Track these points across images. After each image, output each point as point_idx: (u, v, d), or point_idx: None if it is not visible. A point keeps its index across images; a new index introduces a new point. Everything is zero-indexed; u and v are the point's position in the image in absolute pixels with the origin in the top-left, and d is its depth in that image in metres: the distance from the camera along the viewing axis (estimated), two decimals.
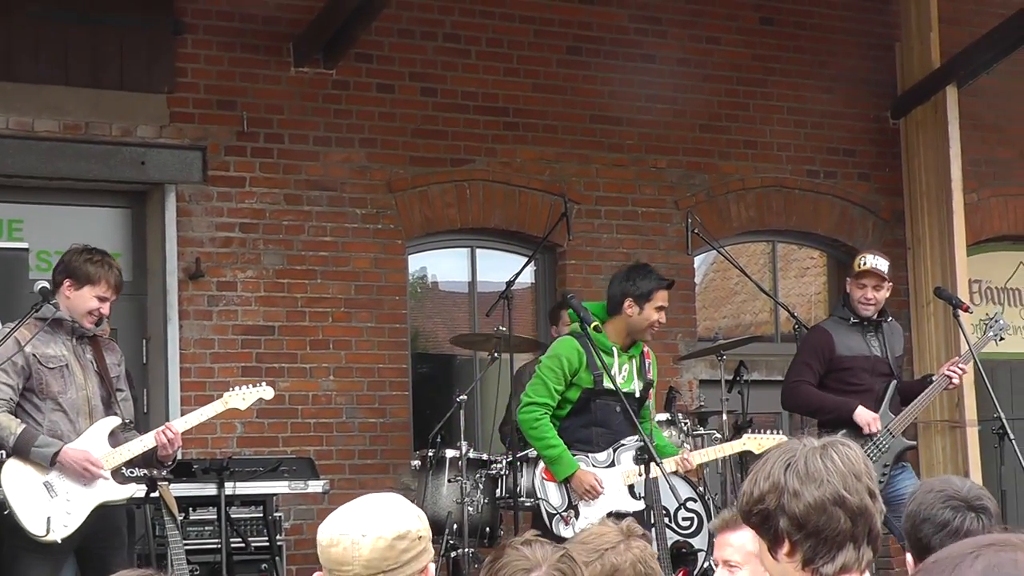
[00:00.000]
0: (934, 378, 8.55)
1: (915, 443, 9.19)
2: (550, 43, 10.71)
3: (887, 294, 8.60)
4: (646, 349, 7.83)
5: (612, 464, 7.54)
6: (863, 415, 8.29)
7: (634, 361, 7.68)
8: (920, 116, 11.59)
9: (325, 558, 3.27)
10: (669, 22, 11.16)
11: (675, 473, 7.92)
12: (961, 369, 8.43)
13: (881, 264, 8.52)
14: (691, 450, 8.15)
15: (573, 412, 7.52)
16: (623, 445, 7.55)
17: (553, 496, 7.47)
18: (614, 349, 7.59)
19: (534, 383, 7.55)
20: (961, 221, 11.25)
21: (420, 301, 10.98)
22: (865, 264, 8.51)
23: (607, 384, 7.44)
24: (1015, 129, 12.30)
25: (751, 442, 8.00)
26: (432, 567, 3.34)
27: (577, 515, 7.39)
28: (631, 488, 7.56)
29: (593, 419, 7.53)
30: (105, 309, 6.84)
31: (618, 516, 7.23)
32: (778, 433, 8.19)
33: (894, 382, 8.50)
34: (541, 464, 7.54)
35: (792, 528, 3.14)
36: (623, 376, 7.58)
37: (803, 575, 3.17)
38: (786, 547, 3.16)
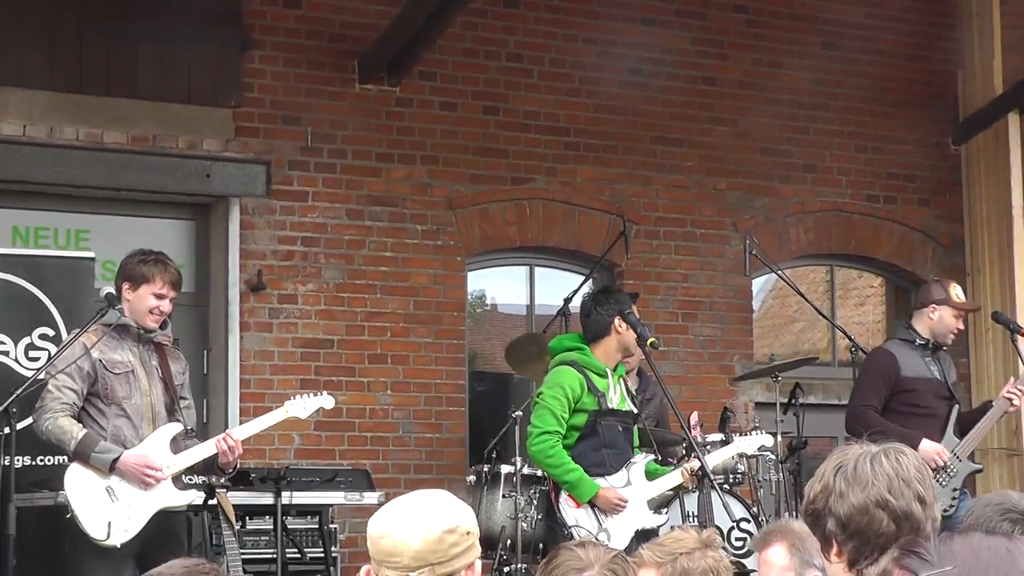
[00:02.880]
0: (994, 403, 8.59)
1: (981, 467, 9.21)
2: (612, 64, 10.78)
3: None
4: (631, 373, 8.08)
5: (628, 483, 7.63)
6: (928, 449, 8.28)
7: (621, 382, 7.81)
8: (981, 143, 11.58)
9: (375, 550, 3.34)
10: (730, 45, 11.21)
11: (726, 490, 8.00)
12: (1019, 390, 8.47)
13: None
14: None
15: (582, 437, 7.62)
16: (634, 463, 7.67)
17: (585, 521, 7.53)
18: (607, 371, 7.70)
19: (539, 413, 7.60)
20: (1022, 248, 11.23)
21: (479, 322, 11.04)
22: (961, 297, 8.70)
23: (610, 405, 7.57)
24: None
25: (742, 443, 8.24)
26: (479, 564, 3.39)
27: (609, 537, 7.44)
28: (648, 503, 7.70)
29: (602, 441, 7.64)
30: (165, 307, 6.92)
31: (644, 533, 7.35)
32: (763, 433, 8.31)
33: (956, 406, 8.56)
34: (563, 494, 7.60)
35: (837, 529, 3.22)
36: (617, 397, 7.70)
37: None
38: (834, 548, 3.24)
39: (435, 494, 3.44)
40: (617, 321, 7.74)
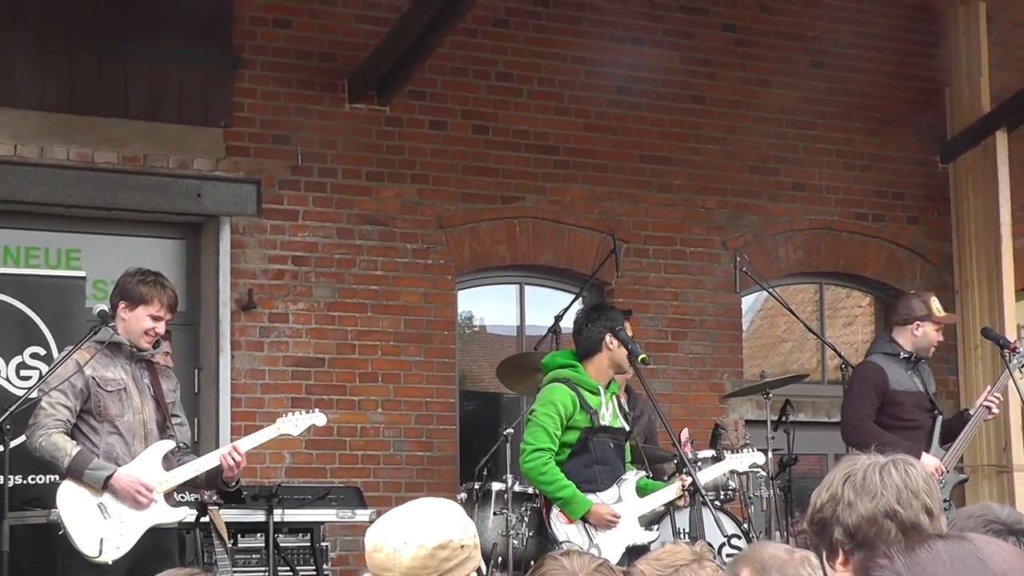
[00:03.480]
0: (971, 412, 8.64)
1: (967, 476, 9.28)
2: (601, 83, 10.81)
3: None
4: (620, 390, 8.10)
5: (619, 499, 7.64)
6: (928, 463, 8.29)
7: (614, 399, 7.85)
8: (969, 160, 11.63)
9: (370, 562, 3.36)
10: (719, 64, 11.25)
11: (717, 506, 8.01)
12: (997, 398, 8.58)
13: None
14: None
15: (573, 454, 7.64)
16: (624, 480, 7.69)
17: (576, 537, 7.53)
18: (600, 388, 7.72)
19: (532, 431, 7.61)
20: (1010, 265, 11.28)
21: (468, 344, 11.04)
22: (942, 311, 8.78)
23: (602, 422, 7.59)
24: None
25: (734, 460, 8.27)
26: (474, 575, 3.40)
27: (600, 553, 7.43)
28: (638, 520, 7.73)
29: (593, 458, 7.66)
30: (160, 328, 6.92)
31: (635, 549, 7.36)
32: (754, 450, 8.36)
33: (940, 418, 8.59)
34: (555, 510, 7.62)
35: (845, 538, 3.21)
36: (610, 414, 7.73)
37: None
38: (840, 557, 3.23)
39: (434, 505, 3.44)
40: (608, 338, 7.76)
